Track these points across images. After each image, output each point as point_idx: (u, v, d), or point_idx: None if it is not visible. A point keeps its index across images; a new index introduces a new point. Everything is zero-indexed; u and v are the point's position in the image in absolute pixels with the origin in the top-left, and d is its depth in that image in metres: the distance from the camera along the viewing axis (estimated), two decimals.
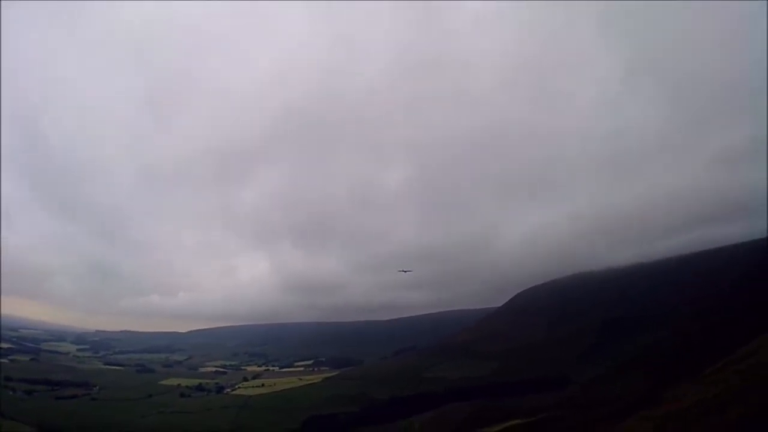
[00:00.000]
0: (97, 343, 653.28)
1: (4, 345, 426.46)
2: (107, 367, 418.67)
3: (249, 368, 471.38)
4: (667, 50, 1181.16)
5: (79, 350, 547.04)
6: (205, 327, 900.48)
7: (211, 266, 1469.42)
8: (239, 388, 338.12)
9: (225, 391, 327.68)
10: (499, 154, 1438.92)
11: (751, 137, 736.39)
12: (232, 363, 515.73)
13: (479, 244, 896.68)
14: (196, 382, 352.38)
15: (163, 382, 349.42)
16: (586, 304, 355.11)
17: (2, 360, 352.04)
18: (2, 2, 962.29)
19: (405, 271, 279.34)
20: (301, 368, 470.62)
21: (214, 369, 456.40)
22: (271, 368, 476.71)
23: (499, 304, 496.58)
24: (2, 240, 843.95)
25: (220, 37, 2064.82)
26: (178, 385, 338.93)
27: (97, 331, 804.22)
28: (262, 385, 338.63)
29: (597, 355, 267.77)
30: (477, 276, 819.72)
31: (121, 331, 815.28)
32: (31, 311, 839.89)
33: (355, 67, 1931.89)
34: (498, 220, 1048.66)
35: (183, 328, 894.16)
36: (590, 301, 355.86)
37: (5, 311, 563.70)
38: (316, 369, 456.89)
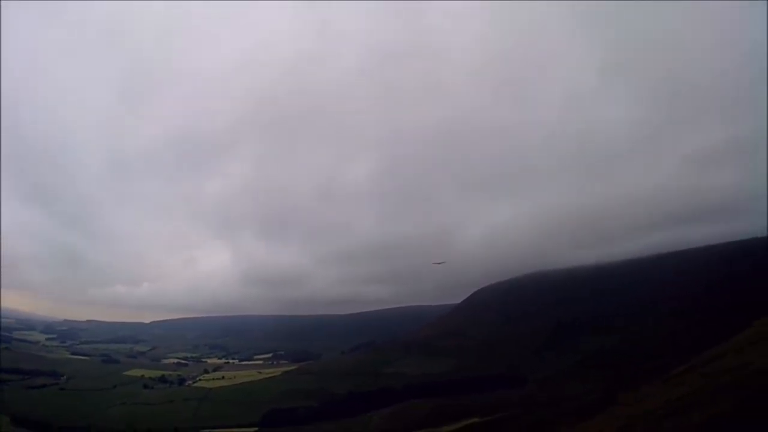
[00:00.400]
0: (65, 333, 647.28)
1: None
2: (74, 356, 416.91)
3: (210, 360, 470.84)
4: (642, 49, 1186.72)
5: (47, 339, 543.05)
6: (167, 318, 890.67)
7: (174, 257, 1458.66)
8: (200, 380, 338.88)
9: (186, 383, 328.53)
10: (466, 149, 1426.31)
11: (724, 138, 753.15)
12: (194, 355, 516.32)
13: (441, 240, 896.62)
14: (158, 373, 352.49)
15: (127, 373, 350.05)
16: (547, 302, 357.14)
17: None
18: None
19: (439, 263, 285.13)
20: (261, 361, 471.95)
21: (176, 360, 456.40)
22: (231, 361, 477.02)
23: (459, 301, 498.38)
24: None
25: (192, 22, 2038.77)
26: (142, 376, 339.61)
27: (65, 320, 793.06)
28: (223, 377, 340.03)
29: (557, 354, 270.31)
30: (437, 272, 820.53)
31: (87, 321, 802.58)
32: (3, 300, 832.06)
33: (325, 58, 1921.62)
34: (461, 215, 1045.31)
35: (146, 318, 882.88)
36: (551, 300, 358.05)
37: None
38: (275, 362, 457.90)
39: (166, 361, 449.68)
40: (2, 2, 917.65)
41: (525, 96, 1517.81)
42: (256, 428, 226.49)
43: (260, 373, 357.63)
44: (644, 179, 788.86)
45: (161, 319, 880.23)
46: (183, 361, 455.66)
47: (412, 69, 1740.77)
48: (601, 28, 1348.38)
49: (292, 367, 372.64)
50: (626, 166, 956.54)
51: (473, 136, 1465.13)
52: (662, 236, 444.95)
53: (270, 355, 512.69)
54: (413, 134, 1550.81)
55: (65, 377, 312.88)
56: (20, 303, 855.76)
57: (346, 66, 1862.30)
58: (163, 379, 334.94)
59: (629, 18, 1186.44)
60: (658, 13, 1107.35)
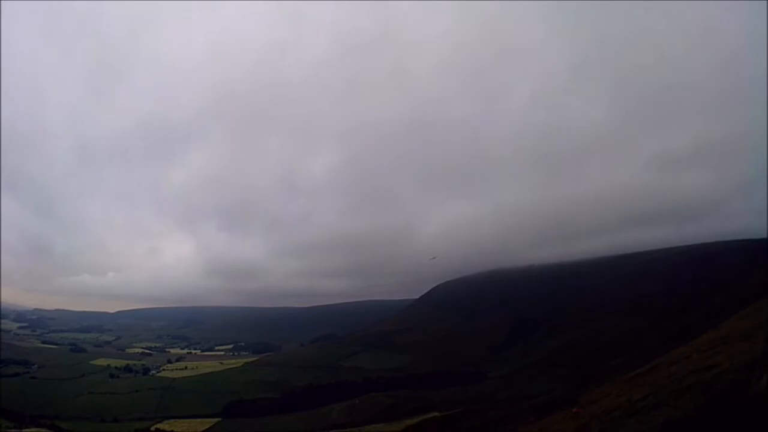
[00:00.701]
0: (35, 321, 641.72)
1: None
2: (44, 345, 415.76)
3: (173, 350, 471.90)
4: (615, 50, 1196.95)
5: (19, 328, 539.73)
6: (132, 308, 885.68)
7: (139, 246, 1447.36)
8: (164, 370, 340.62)
9: (151, 373, 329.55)
10: (430, 144, 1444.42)
11: (692, 141, 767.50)
12: (157, 344, 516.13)
13: (401, 235, 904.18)
14: (124, 363, 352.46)
15: (94, 362, 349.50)
16: (504, 300, 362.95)
17: None
18: None
19: (433, 258, 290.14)
20: (222, 352, 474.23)
21: (140, 350, 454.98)
22: (193, 351, 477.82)
23: (417, 296, 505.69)
24: None
25: (162, 11, 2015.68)
26: (108, 365, 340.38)
27: (35, 309, 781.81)
28: (186, 367, 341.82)
29: (516, 351, 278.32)
30: (396, 266, 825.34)
31: (56, 310, 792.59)
32: None
33: (294, 49, 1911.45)
34: (422, 210, 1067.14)
35: (112, 308, 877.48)
36: (508, 298, 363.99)
37: None
38: (236, 353, 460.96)
39: (130, 351, 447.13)
40: None
41: (493, 92, 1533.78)
42: (219, 419, 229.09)
43: (222, 363, 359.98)
44: (610, 179, 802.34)
45: (126, 308, 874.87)
46: (147, 351, 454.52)
47: (379, 61, 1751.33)
48: (576, 26, 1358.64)
49: (253, 359, 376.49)
50: (592, 166, 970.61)
51: (438, 130, 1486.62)
52: (627, 236, 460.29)
53: (231, 345, 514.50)
54: (377, 127, 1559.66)
55: (36, 366, 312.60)
56: None
57: (315, 57, 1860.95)
58: (128, 369, 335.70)
59: (604, 17, 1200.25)
60: (633, 13, 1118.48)
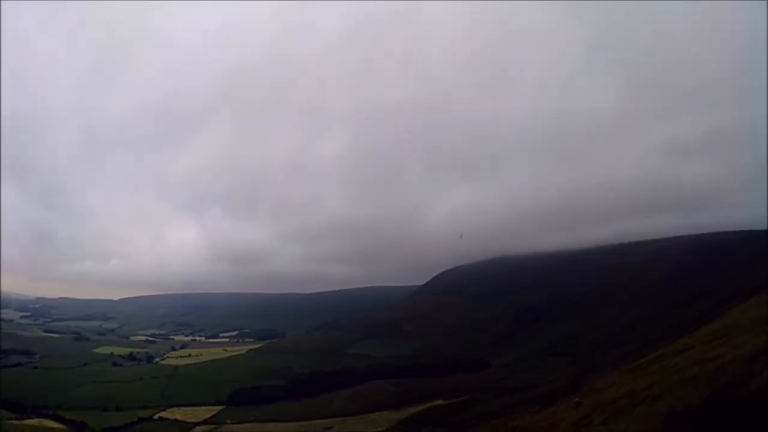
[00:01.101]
0: (38, 310, 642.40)
1: None
2: (47, 334, 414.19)
3: (177, 338, 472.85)
4: (624, 39, 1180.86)
5: (22, 317, 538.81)
6: (135, 295, 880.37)
7: (142, 233, 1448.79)
8: (168, 357, 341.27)
9: (155, 361, 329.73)
10: (438, 129, 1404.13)
11: (699, 132, 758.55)
12: (161, 332, 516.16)
13: (407, 220, 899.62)
14: (127, 351, 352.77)
15: (97, 351, 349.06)
16: (509, 287, 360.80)
17: None
18: None
19: (461, 236, 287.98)
20: (226, 339, 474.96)
21: (144, 338, 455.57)
22: (197, 338, 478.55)
23: (422, 283, 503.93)
24: None
25: None
26: (111, 353, 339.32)
27: (37, 298, 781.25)
28: (189, 355, 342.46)
29: (521, 339, 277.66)
30: (402, 252, 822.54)
31: (59, 298, 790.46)
32: None
33: (305, 30, 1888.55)
34: (429, 196, 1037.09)
35: (115, 295, 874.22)
36: (513, 285, 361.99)
37: None
38: (240, 340, 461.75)
39: (134, 339, 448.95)
40: None
41: (502, 76, 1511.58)
42: (223, 407, 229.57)
43: (226, 350, 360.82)
44: (616, 167, 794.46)
45: (130, 296, 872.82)
46: (151, 339, 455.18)
47: (389, 45, 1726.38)
48: (585, 12, 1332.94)
49: (257, 346, 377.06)
50: (599, 153, 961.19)
51: (446, 116, 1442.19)
52: (632, 225, 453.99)
53: (235, 332, 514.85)
54: (384, 112, 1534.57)
55: (38, 355, 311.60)
56: None
57: (324, 40, 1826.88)
58: (131, 357, 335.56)
59: (616, 6, 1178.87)
60: (644, 4, 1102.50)
